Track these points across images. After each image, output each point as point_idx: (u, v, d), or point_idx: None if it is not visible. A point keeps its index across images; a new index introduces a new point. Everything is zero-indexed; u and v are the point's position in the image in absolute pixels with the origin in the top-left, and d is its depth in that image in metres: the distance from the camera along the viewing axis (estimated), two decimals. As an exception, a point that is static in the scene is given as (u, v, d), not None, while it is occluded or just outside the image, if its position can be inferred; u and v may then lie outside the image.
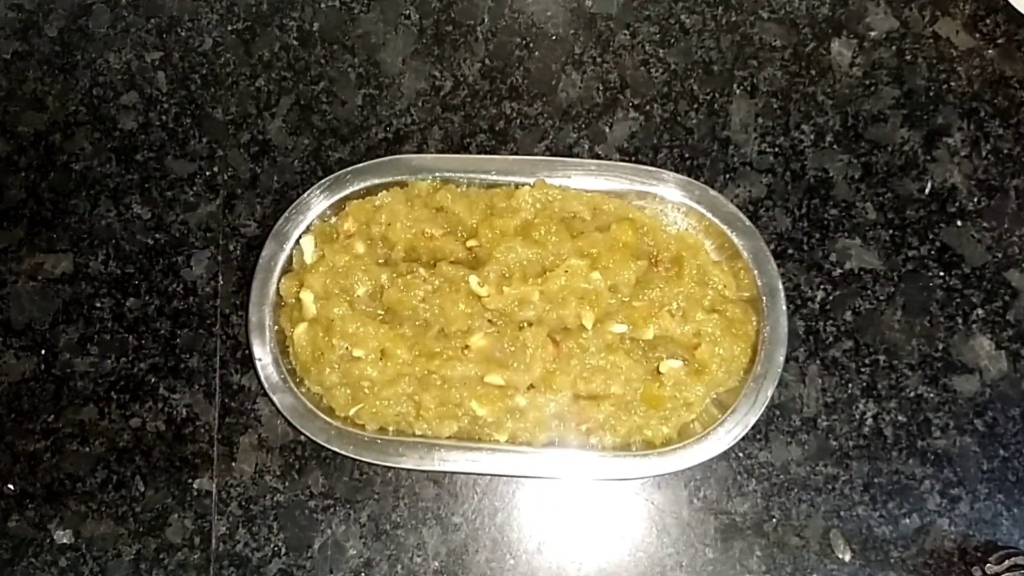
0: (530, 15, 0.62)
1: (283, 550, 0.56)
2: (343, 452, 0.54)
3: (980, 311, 0.57)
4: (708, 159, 0.59)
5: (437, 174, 0.57)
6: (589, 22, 0.61)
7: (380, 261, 0.56)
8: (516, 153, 0.60)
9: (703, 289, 0.55)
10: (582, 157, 0.59)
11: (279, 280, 0.56)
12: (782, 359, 0.54)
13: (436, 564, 0.55)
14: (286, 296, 0.56)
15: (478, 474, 0.56)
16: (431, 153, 0.59)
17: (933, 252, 0.58)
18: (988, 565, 0.52)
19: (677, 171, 0.57)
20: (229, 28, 0.62)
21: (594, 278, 0.54)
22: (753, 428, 0.53)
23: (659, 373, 0.54)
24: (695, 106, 0.60)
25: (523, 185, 0.56)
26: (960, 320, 0.57)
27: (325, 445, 0.54)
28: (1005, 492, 0.55)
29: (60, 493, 0.57)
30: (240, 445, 0.57)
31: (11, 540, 0.57)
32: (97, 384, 0.58)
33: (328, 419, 0.54)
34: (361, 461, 0.55)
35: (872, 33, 0.61)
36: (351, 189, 0.57)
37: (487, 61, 0.61)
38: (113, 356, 0.58)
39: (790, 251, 0.58)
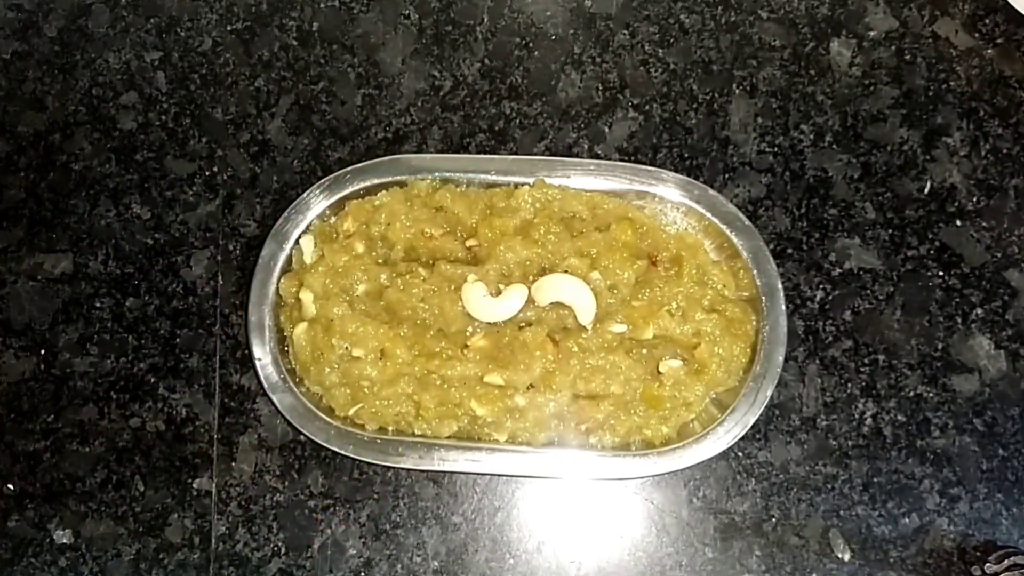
0: (530, 15, 0.62)
1: (283, 550, 0.56)
2: (343, 452, 0.54)
3: (979, 311, 0.57)
4: (707, 159, 0.59)
5: (437, 174, 0.57)
6: (588, 22, 0.61)
7: (380, 261, 0.56)
8: (516, 153, 0.60)
9: (702, 289, 0.55)
10: (581, 157, 0.59)
11: (279, 280, 0.56)
12: (781, 359, 0.54)
13: (436, 564, 0.55)
14: (286, 296, 0.56)
15: (478, 474, 0.56)
16: (431, 153, 0.59)
17: (932, 252, 0.58)
18: (987, 564, 0.52)
19: (676, 171, 0.57)
20: (229, 28, 0.62)
21: (593, 278, 0.54)
22: (752, 428, 0.53)
23: (658, 373, 0.54)
24: (694, 106, 0.60)
25: (523, 185, 0.56)
26: (959, 320, 0.57)
27: (325, 445, 0.54)
28: (1004, 492, 0.55)
29: (60, 493, 0.57)
30: (240, 445, 0.57)
31: (11, 540, 0.57)
32: (97, 384, 0.58)
33: (328, 419, 0.54)
34: (361, 461, 0.55)
35: (871, 33, 0.61)
36: (351, 189, 0.57)
37: (487, 61, 0.61)
38: (113, 356, 0.58)
39: (789, 251, 0.58)
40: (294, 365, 0.56)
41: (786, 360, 0.55)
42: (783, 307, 0.54)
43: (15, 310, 0.59)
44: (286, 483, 0.57)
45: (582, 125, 0.60)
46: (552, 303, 0.54)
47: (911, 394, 0.56)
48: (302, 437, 0.56)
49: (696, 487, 0.56)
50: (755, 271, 0.55)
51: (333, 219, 0.57)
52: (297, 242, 0.56)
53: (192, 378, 0.58)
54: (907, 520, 0.55)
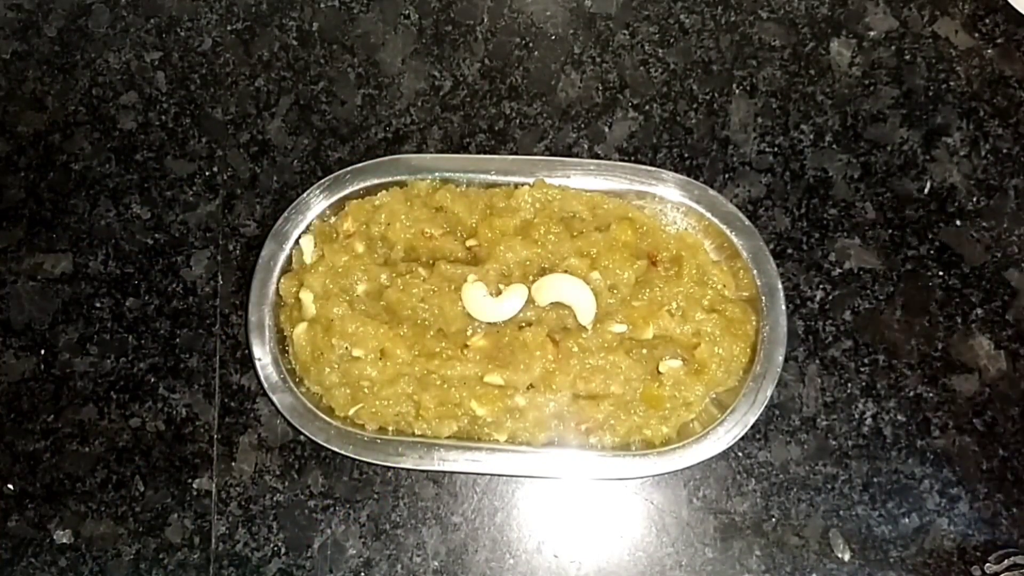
0: (530, 15, 0.62)
1: (283, 550, 0.56)
2: (343, 452, 0.54)
3: (979, 311, 0.57)
4: (707, 159, 0.59)
5: (437, 174, 0.57)
6: (588, 22, 0.61)
7: (380, 261, 0.56)
8: (516, 153, 0.60)
9: (702, 289, 0.55)
10: (581, 157, 0.59)
11: (279, 280, 0.56)
12: (781, 359, 0.54)
13: (436, 564, 0.55)
14: (286, 296, 0.56)
15: (478, 474, 0.56)
16: (431, 153, 0.59)
17: (932, 252, 0.58)
18: (987, 564, 0.53)
19: (676, 171, 0.57)
20: (228, 28, 0.62)
21: (593, 278, 0.54)
22: (752, 428, 0.53)
23: (658, 373, 0.54)
24: (694, 106, 0.60)
25: (523, 185, 0.56)
26: (959, 320, 0.57)
27: (325, 445, 0.54)
28: (1004, 492, 0.55)
29: (60, 493, 0.57)
30: (240, 445, 0.57)
31: (11, 540, 0.57)
32: (97, 384, 0.58)
33: (328, 419, 0.54)
34: (361, 461, 0.55)
35: (871, 33, 0.61)
36: (351, 189, 0.57)
37: (487, 61, 0.61)
38: (113, 356, 0.58)
39: (789, 251, 0.58)
40: (294, 365, 0.56)
41: (786, 360, 0.55)
42: (783, 307, 0.54)
43: (15, 310, 0.59)
44: (286, 483, 0.57)
45: (582, 125, 0.60)
46: (552, 303, 0.54)
47: (911, 394, 0.56)
48: (302, 437, 0.56)
49: (696, 487, 0.56)
50: (755, 271, 0.55)
51: (333, 219, 0.57)
52: (297, 242, 0.56)
53: (192, 378, 0.58)
54: (907, 520, 0.55)
